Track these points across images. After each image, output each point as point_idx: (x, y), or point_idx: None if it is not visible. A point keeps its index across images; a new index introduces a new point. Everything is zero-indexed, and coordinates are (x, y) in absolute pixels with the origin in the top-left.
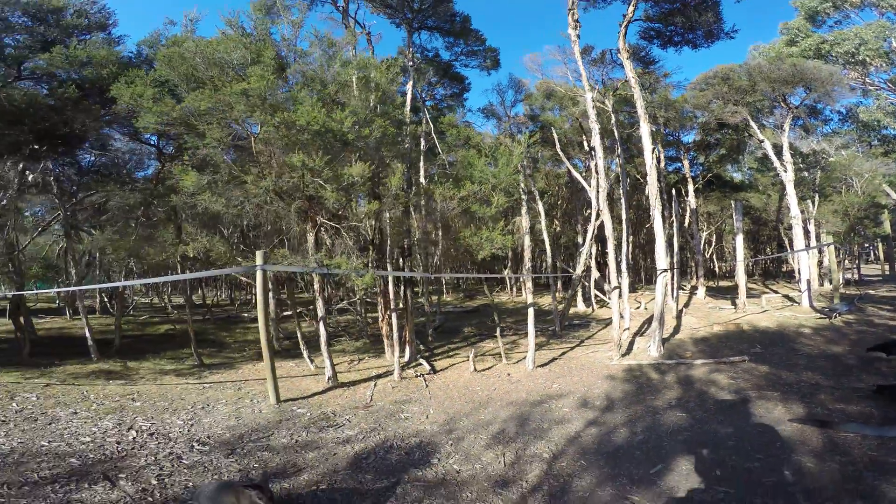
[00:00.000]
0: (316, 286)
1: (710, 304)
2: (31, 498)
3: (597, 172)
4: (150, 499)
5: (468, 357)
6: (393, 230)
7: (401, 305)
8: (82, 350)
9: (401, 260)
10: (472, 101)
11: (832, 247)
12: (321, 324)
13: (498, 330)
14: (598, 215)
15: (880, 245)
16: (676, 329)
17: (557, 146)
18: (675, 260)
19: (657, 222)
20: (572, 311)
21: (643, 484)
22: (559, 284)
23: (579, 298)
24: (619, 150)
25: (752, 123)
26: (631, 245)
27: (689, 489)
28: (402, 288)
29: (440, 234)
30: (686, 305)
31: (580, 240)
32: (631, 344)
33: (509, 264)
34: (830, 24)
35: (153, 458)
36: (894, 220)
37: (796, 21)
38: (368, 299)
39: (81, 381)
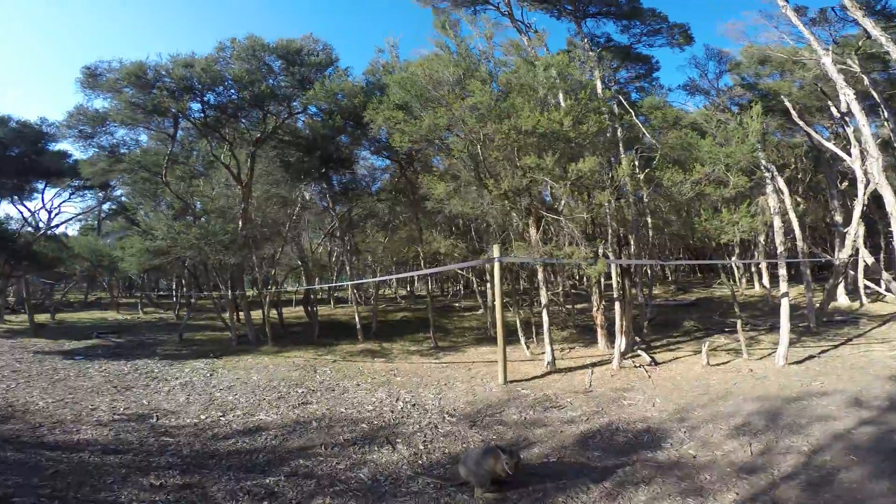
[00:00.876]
0: (539, 276)
1: None
2: (340, 458)
3: (860, 141)
4: (420, 461)
5: (694, 350)
6: (613, 219)
7: (615, 296)
8: (350, 333)
9: (618, 249)
10: (665, 79)
11: None
12: (544, 311)
13: (738, 322)
14: (866, 186)
15: None
16: None
17: (793, 114)
18: None
19: None
20: (831, 305)
21: None
22: (808, 273)
23: (840, 290)
24: (886, 113)
25: None
26: None
27: None
28: (621, 278)
29: (650, 221)
30: None
31: (837, 218)
32: None
33: (737, 251)
34: None
35: (418, 426)
36: None
37: None
38: (576, 290)
39: (355, 357)
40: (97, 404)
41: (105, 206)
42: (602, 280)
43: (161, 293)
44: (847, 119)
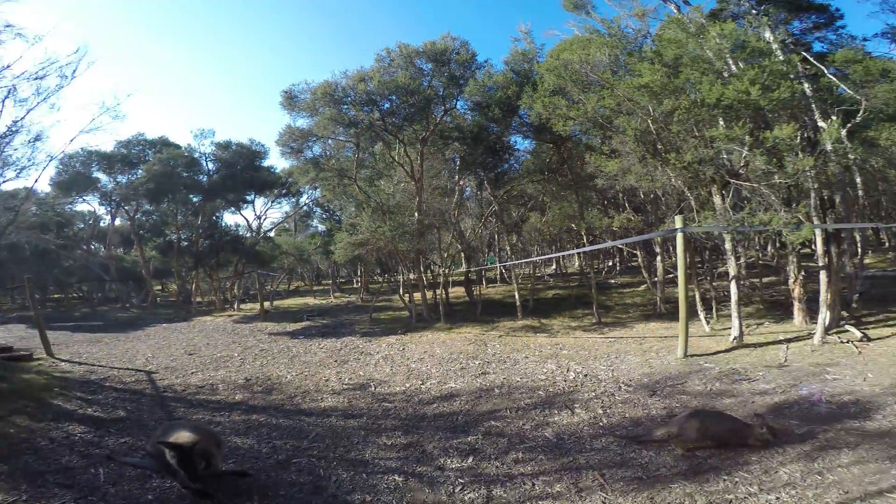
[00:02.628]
0: (728, 246)
1: None
2: (525, 420)
3: None
4: (600, 423)
5: None
6: (816, 180)
7: (819, 265)
8: (508, 310)
9: (822, 213)
10: (851, 28)
11: None
12: (732, 283)
13: None
14: None
15: None
16: None
17: None
18: None
19: None
20: None
21: None
22: None
23: None
24: None
25: None
26: None
27: None
28: (825, 245)
29: (859, 180)
30: None
31: None
32: None
33: None
34: None
35: (593, 394)
36: None
37: None
38: (762, 262)
39: (518, 333)
40: (328, 376)
41: (304, 209)
42: (799, 249)
43: (342, 280)
44: None
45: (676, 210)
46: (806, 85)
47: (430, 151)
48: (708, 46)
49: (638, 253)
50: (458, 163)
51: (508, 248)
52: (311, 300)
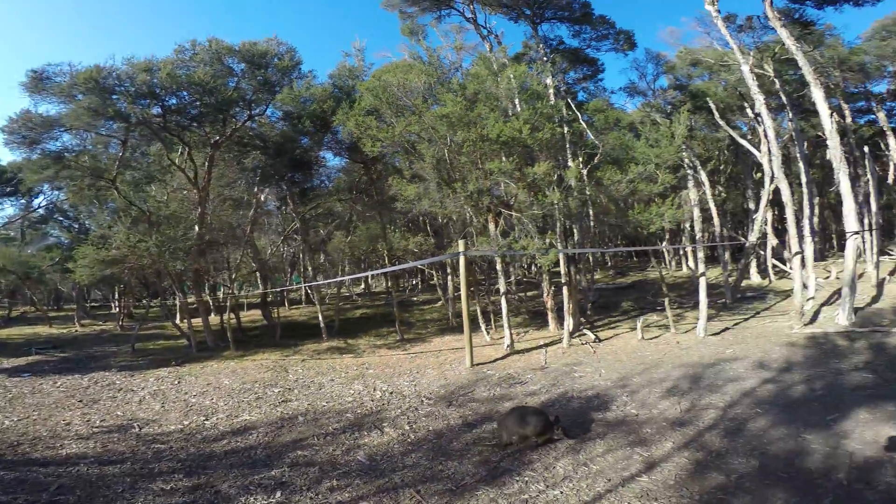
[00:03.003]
0: (498, 267)
1: None
2: (334, 445)
3: (767, 139)
4: (409, 440)
5: (630, 328)
6: (561, 213)
7: (566, 281)
8: (312, 332)
9: (564, 240)
10: (608, 81)
11: None
12: (502, 299)
13: (666, 301)
14: (771, 180)
15: None
16: (876, 298)
17: (715, 114)
18: (872, 221)
19: (844, 184)
20: (745, 282)
21: (817, 427)
22: (727, 255)
23: (753, 269)
24: (791, 114)
25: None
26: (817, 208)
27: (862, 429)
28: (567, 266)
29: (591, 214)
30: (891, 273)
31: (750, 206)
32: (816, 313)
33: (667, 237)
34: None
35: (400, 411)
36: None
37: None
38: (527, 279)
39: (323, 355)
40: (69, 418)
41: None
42: (550, 268)
43: (94, 304)
44: (758, 119)
45: (462, 235)
46: (566, 128)
47: (223, 158)
48: (502, 85)
49: (434, 273)
50: (259, 174)
51: (310, 267)
52: (44, 329)
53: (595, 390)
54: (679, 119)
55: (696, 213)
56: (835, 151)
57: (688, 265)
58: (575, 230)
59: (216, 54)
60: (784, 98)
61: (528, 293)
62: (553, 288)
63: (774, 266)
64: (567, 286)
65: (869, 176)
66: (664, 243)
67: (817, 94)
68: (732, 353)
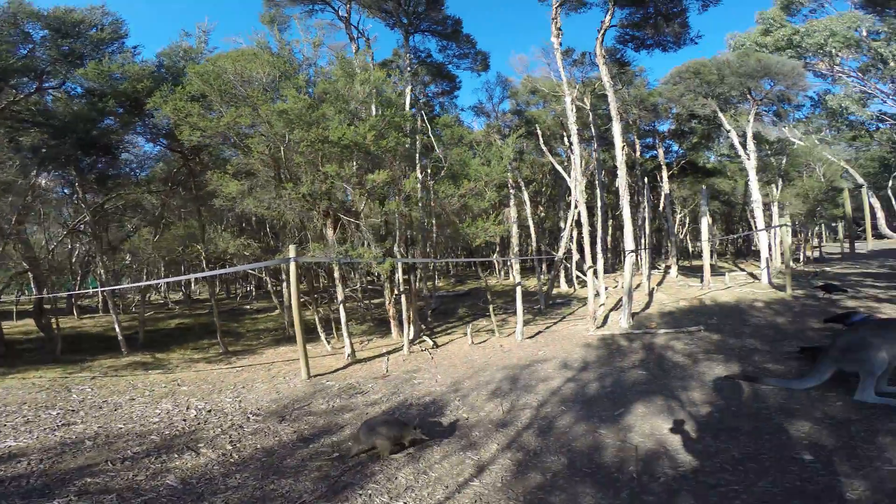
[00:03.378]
0: (336, 274)
1: (680, 281)
2: (136, 470)
3: (573, 168)
4: (231, 459)
5: (465, 333)
6: (401, 223)
7: (405, 290)
8: (109, 345)
9: (405, 249)
10: (461, 98)
11: (786, 227)
12: (341, 307)
13: (491, 308)
14: (576, 204)
15: (840, 225)
16: (648, 304)
17: (540, 140)
18: (647, 242)
19: (625, 210)
20: (556, 291)
21: (608, 422)
22: (544, 267)
23: (562, 279)
24: (596, 145)
25: (721, 115)
26: (611, 228)
27: (641, 422)
28: (406, 274)
29: (434, 224)
30: (659, 283)
31: (563, 224)
32: (606, 317)
33: (497, 249)
34: (805, 13)
35: (220, 429)
36: (855, 203)
37: (772, 11)
38: (373, 287)
39: (122, 372)
40: None
41: None
42: (393, 276)
43: None
44: (571, 148)
45: (297, 239)
46: (417, 139)
47: None
48: (354, 88)
49: (267, 279)
50: (39, 155)
51: (103, 270)
52: None
53: (432, 396)
54: (508, 142)
55: (515, 229)
56: (621, 181)
57: (512, 275)
58: (418, 239)
59: (12, 17)
60: (594, 130)
61: (376, 300)
62: (395, 296)
63: (578, 277)
64: (406, 294)
65: (645, 203)
66: (495, 255)
67: (616, 129)
68: (543, 354)
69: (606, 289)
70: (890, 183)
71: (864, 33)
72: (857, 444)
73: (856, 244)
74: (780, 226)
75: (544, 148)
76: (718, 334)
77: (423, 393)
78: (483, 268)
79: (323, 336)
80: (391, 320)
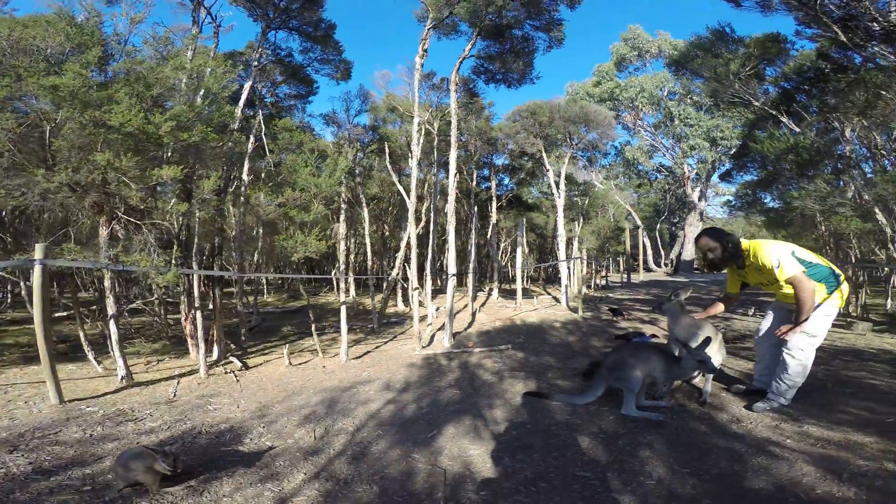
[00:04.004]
0: (107, 283)
1: (500, 303)
2: None
3: (408, 191)
4: None
5: (283, 353)
6: (203, 228)
7: (210, 305)
8: None
9: (211, 258)
10: (317, 105)
11: (578, 260)
12: (112, 322)
13: (312, 327)
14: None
15: (621, 259)
16: (470, 324)
17: (387, 159)
18: (473, 266)
19: (451, 235)
20: (393, 310)
21: (422, 445)
22: (384, 285)
23: (399, 298)
24: (435, 169)
25: (544, 154)
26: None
27: (451, 444)
28: (211, 287)
29: (261, 233)
30: (483, 305)
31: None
32: (433, 337)
33: (340, 265)
34: (631, 70)
35: None
36: (633, 241)
37: (607, 65)
38: (170, 299)
39: None
40: None
41: None
42: (195, 288)
43: None
44: (411, 170)
45: (54, 236)
46: (250, 138)
47: None
48: (165, 71)
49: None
50: None
51: None
52: None
53: (230, 423)
54: (343, 156)
55: (343, 245)
56: (450, 207)
57: (347, 293)
58: (232, 247)
59: None
60: (435, 155)
61: (174, 316)
62: (194, 311)
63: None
64: (202, 309)
65: (473, 231)
66: (335, 271)
67: (452, 156)
68: (367, 375)
69: (439, 309)
70: (658, 226)
71: (665, 93)
72: (625, 458)
73: (632, 275)
74: (576, 258)
75: (389, 167)
76: (523, 352)
77: (219, 420)
78: (322, 284)
79: (91, 355)
80: (188, 339)
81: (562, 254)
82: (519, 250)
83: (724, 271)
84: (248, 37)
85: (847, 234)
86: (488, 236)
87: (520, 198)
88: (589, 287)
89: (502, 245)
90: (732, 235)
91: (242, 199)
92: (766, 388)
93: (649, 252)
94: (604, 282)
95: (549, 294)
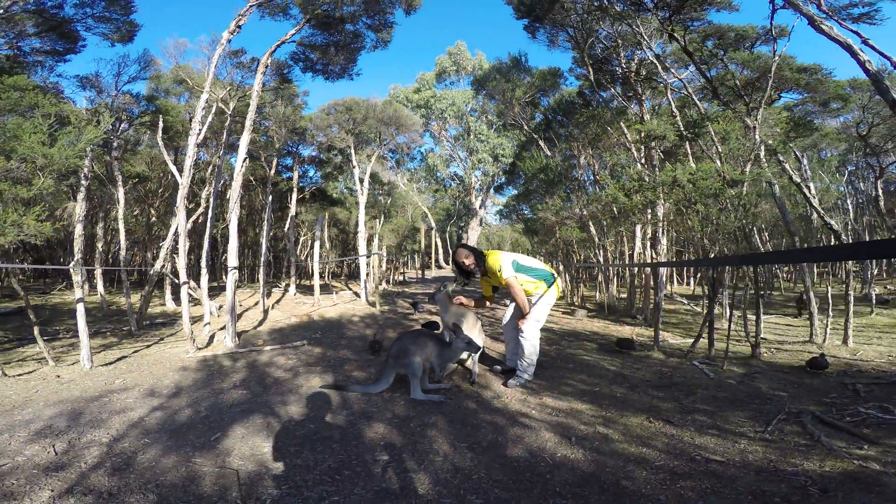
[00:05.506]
0: None
1: (298, 299)
2: None
3: (181, 172)
4: None
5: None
6: None
7: None
8: None
9: None
10: (78, 65)
11: (379, 255)
12: None
13: (36, 330)
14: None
15: (417, 257)
16: (262, 322)
17: (159, 135)
18: (265, 259)
19: (233, 224)
20: (161, 309)
21: (204, 449)
22: (146, 280)
23: (169, 296)
24: (222, 152)
25: (353, 151)
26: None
27: (241, 444)
28: None
29: None
30: (278, 301)
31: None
32: (212, 337)
33: (76, 255)
34: (447, 83)
35: None
36: (427, 241)
37: (430, 74)
38: None
39: None
40: None
41: None
42: None
43: None
44: (187, 149)
45: None
46: None
47: None
48: None
49: None
50: None
51: None
52: None
53: None
54: (101, 125)
55: (80, 229)
56: (233, 192)
57: (94, 290)
58: None
59: None
60: (225, 136)
61: None
62: None
63: (190, 295)
64: None
65: (267, 221)
66: (73, 264)
67: (244, 139)
68: (123, 382)
69: (221, 307)
70: (448, 228)
71: (469, 108)
72: (417, 440)
73: (426, 272)
74: (374, 254)
75: (161, 143)
76: (320, 347)
77: None
78: (58, 280)
79: None
80: None
81: (362, 249)
82: (317, 244)
83: (477, 277)
84: None
85: (572, 240)
86: (286, 229)
87: (324, 191)
88: (388, 282)
89: (302, 239)
90: (477, 249)
91: None
92: (516, 366)
93: (440, 251)
94: (402, 277)
95: (351, 289)
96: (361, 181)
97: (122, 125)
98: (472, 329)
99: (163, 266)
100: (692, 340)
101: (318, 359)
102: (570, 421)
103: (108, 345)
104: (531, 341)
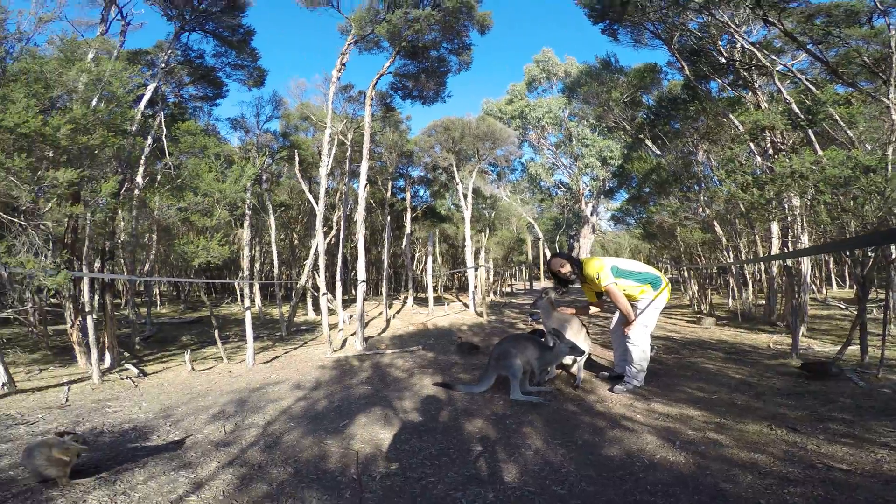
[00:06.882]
0: None
1: (415, 310)
2: None
3: (317, 199)
4: None
5: (184, 361)
6: (95, 231)
7: (89, 310)
8: None
9: (102, 263)
10: (224, 108)
11: (486, 267)
12: None
13: (216, 333)
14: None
15: (524, 268)
16: (384, 329)
17: (297, 167)
18: (387, 274)
19: (360, 243)
20: (304, 318)
21: (334, 433)
22: (293, 294)
23: (310, 307)
24: (347, 179)
25: (455, 168)
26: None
27: (362, 431)
28: (101, 295)
29: (155, 238)
30: (398, 311)
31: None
32: (345, 342)
33: (244, 272)
34: (540, 91)
35: None
36: (535, 252)
37: (520, 85)
38: (48, 307)
39: None
40: None
41: None
42: (78, 295)
43: None
44: (320, 179)
45: None
46: (148, 139)
47: None
48: (69, 74)
49: None
50: None
51: None
52: None
53: (133, 423)
54: (253, 162)
55: (248, 252)
56: (359, 215)
57: (259, 302)
58: (121, 254)
59: None
60: (347, 165)
61: (59, 327)
62: (80, 318)
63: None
64: (94, 317)
65: (387, 240)
66: (238, 279)
67: (364, 166)
68: (277, 377)
69: (352, 316)
70: (558, 237)
71: (567, 114)
72: (511, 435)
73: (534, 283)
74: (480, 266)
75: (299, 176)
76: (432, 352)
77: (121, 420)
78: (225, 295)
79: None
80: (75, 346)
81: (470, 262)
82: (430, 259)
83: (577, 285)
84: (157, 35)
85: (694, 242)
86: (403, 246)
87: (434, 209)
88: (495, 293)
89: (417, 255)
90: (574, 257)
91: (135, 202)
92: (624, 372)
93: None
94: (509, 289)
95: (461, 301)
96: (465, 196)
97: (266, 160)
98: (577, 335)
99: (306, 281)
100: (839, 347)
101: (430, 362)
102: (678, 426)
103: (264, 347)
104: (640, 346)
